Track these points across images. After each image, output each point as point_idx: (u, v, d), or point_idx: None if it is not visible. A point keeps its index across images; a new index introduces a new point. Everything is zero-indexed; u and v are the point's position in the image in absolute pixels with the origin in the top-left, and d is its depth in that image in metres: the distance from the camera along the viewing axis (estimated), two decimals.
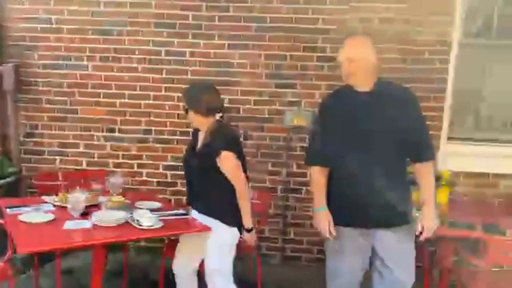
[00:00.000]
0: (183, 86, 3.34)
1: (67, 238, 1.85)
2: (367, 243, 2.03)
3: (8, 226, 1.91)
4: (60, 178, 3.02)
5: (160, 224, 2.05)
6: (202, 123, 2.27)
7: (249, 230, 2.26)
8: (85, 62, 3.41)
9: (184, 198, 2.71)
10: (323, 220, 2.02)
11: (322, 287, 3.10)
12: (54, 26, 3.39)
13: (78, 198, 1.98)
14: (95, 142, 3.49)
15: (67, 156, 3.51)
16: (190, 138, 2.47)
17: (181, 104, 2.47)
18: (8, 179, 3.24)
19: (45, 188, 2.88)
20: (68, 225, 1.95)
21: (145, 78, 3.43)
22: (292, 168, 3.43)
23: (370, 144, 1.92)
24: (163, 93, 3.44)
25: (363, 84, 1.98)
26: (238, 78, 3.38)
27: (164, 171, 3.51)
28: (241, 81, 3.38)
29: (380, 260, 2.05)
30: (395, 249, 2.00)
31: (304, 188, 3.44)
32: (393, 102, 1.94)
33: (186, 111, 2.29)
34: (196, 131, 2.39)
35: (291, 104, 3.37)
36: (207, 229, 2.16)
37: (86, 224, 1.97)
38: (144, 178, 3.50)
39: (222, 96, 3.38)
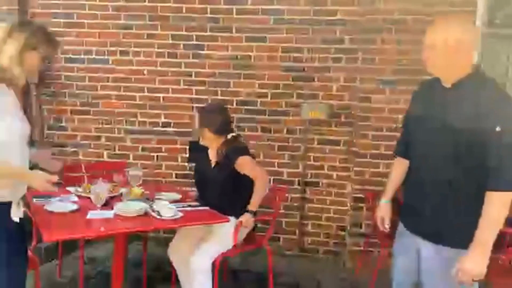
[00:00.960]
0: (201, 79, 3.44)
1: (90, 227, 1.91)
2: (415, 249, 1.77)
3: (34, 216, 1.98)
4: (83, 170, 3.10)
5: (179, 215, 2.09)
6: (212, 141, 2.48)
7: (252, 213, 2.36)
8: (106, 57, 3.49)
9: None
10: (380, 213, 1.96)
11: (337, 279, 3.16)
12: (76, 21, 3.47)
13: (101, 189, 2.04)
14: (116, 135, 3.57)
15: (89, 148, 3.60)
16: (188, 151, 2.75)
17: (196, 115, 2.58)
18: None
19: (68, 179, 3.00)
20: (91, 214, 2.01)
21: (164, 72, 3.47)
22: (310, 160, 3.43)
23: (431, 147, 1.67)
24: (181, 86, 3.48)
25: (444, 77, 1.64)
26: (256, 71, 3.39)
27: (183, 163, 3.56)
28: (259, 74, 3.39)
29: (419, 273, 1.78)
30: (435, 272, 1.68)
31: (321, 180, 3.44)
32: (469, 108, 1.56)
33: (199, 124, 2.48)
34: (199, 146, 2.59)
35: (309, 97, 3.36)
36: (226, 220, 2.20)
37: (109, 214, 2.02)
38: (164, 170, 3.57)
39: (240, 89, 3.46)
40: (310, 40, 3.29)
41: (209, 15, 3.37)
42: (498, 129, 1.50)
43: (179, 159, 3.56)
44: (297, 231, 3.50)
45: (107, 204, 2.13)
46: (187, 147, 2.97)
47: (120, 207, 2.05)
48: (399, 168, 1.91)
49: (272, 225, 2.72)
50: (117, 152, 3.58)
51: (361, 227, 3.31)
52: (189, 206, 2.31)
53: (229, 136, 2.49)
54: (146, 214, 2.08)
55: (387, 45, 3.07)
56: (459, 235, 1.59)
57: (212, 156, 2.55)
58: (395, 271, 1.91)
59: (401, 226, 1.87)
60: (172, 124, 3.54)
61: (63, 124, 3.59)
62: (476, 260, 1.52)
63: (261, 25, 3.33)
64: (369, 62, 3.13)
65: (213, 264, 2.38)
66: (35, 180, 1.71)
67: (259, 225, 2.70)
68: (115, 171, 3.15)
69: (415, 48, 3.05)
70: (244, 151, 2.50)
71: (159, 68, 3.47)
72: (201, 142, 2.57)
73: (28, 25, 1.80)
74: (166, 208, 2.09)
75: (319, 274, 3.22)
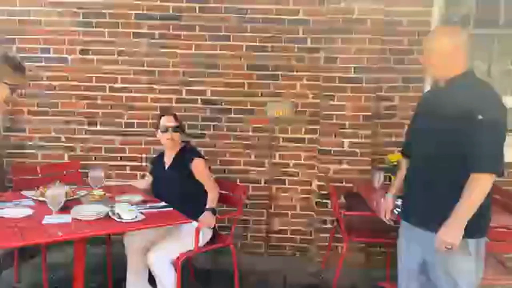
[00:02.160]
0: (165, 78, 3.39)
1: (46, 233, 1.85)
2: (416, 241, 1.90)
3: None
4: (38, 172, 3.01)
5: (141, 217, 2.06)
6: (177, 143, 2.68)
7: (212, 211, 2.49)
8: (65, 55, 3.37)
9: None
10: (383, 205, 2.12)
11: (305, 275, 3.21)
12: (31, 18, 3.33)
13: (57, 192, 1.98)
14: (77, 136, 3.47)
15: (49, 150, 3.48)
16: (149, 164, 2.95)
17: (172, 122, 2.70)
18: None
19: (21, 182, 2.90)
20: (47, 219, 1.95)
21: (126, 71, 3.40)
22: (275, 159, 3.46)
23: (424, 143, 1.85)
24: (145, 85, 3.42)
25: (438, 77, 1.85)
26: (220, 70, 3.38)
27: (147, 164, 3.50)
28: (223, 73, 3.38)
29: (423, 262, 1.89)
30: (436, 256, 1.79)
31: (286, 178, 3.48)
32: (456, 101, 1.74)
33: (177, 129, 2.67)
34: (157, 158, 2.82)
35: (273, 95, 3.38)
36: (188, 221, 2.18)
37: (66, 218, 1.97)
38: (128, 171, 3.50)
39: (204, 88, 3.45)
40: (273, 39, 3.32)
41: (171, 13, 3.33)
42: (480, 117, 1.66)
43: (143, 160, 3.50)
44: (264, 229, 3.53)
45: (66, 208, 2.06)
46: (149, 164, 3.06)
47: (78, 211, 2.00)
48: (404, 166, 2.06)
49: (234, 222, 2.74)
50: (78, 153, 3.48)
51: (326, 223, 3.38)
52: (152, 207, 2.28)
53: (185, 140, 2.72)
54: (106, 217, 2.04)
55: (348, 44, 3.13)
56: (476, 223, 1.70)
57: (167, 159, 2.72)
58: (400, 265, 2.02)
59: (402, 222, 1.99)
60: (135, 124, 3.47)
61: (21, 125, 3.45)
62: (451, 232, 1.69)
63: (224, 24, 3.32)
64: (332, 61, 3.19)
65: (175, 264, 2.37)
66: None
67: (225, 224, 2.71)
68: (71, 171, 3.14)
69: (375, 48, 3.17)
70: (200, 154, 2.70)
71: (120, 67, 3.40)
72: (167, 146, 2.70)
73: None
74: (126, 210, 2.05)
75: (287, 270, 3.27)
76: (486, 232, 1.81)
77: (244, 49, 3.35)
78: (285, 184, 3.49)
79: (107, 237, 2.84)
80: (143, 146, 3.49)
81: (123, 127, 3.47)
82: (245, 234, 3.50)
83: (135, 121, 3.47)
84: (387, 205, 2.11)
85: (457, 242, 1.68)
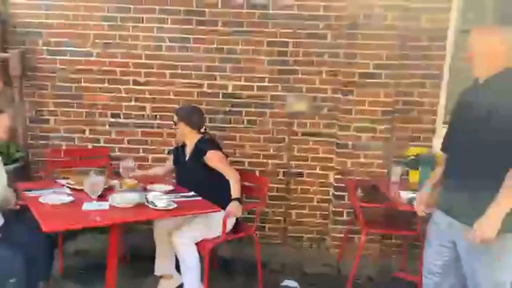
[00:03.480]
0: (187, 72, 3.47)
1: (87, 218, 1.94)
2: (449, 234, 1.93)
3: (31, 207, 1.99)
4: (63, 155, 3.35)
5: (174, 205, 2.15)
6: (188, 136, 2.76)
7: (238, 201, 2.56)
8: (89, 49, 3.46)
9: None
10: (418, 198, 2.15)
11: (321, 265, 3.30)
12: (58, 12, 3.41)
13: (95, 181, 2.07)
14: (101, 128, 3.56)
15: (73, 141, 3.58)
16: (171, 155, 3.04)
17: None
18: (16, 164, 3.30)
19: (54, 165, 3.22)
20: (87, 206, 2.04)
21: (149, 65, 3.48)
22: (294, 152, 3.54)
23: (464, 139, 1.88)
24: (167, 79, 3.50)
25: (479, 74, 1.88)
26: (241, 64, 3.45)
27: (170, 155, 3.58)
28: (244, 67, 3.45)
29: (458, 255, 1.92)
30: (472, 251, 1.81)
31: (305, 171, 3.56)
32: (496, 98, 1.77)
33: (175, 123, 2.78)
34: (180, 148, 2.88)
35: (293, 90, 3.45)
36: (217, 209, 2.27)
37: (104, 205, 2.06)
38: (150, 162, 3.59)
39: (226, 82, 3.52)
40: (294, 34, 3.38)
41: (194, 8, 3.40)
42: None
43: (165, 152, 3.59)
44: (282, 220, 3.61)
45: (102, 196, 2.16)
46: (171, 151, 3.14)
47: (116, 198, 2.09)
48: (443, 161, 2.08)
49: (258, 213, 2.82)
50: (102, 144, 3.58)
51: (342, 215, 3.46)
52: (182, 196, 2.37)
53: (202, 131, 2.77)
54: (140, 204, 2.13)
55: (368, 39, 3.19)
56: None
57: (188, 152, 2.80)
58: (427, 255, 2.06)
59: (436, 215, 2.02)
60: (157, 117, 3.56)
61: (46, 116, 3.54)
62: (488, 225, 1.69)
63: (247, 19, 3.38)
64: (351, 56, 3.25)
65: (202, 254, 2.45)
66: None
67: (247, 214, 2.79)
68: (98, 157, 3.39)
69: (394, 43, 3.22)
70: (214, 146, 2.75)
71: (144, 61, 3.48)
72: (177, 139, 2.84)
73: None
74: (159, 198, 2.14)
75: (304, 261, 3.36)
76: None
77: (265, 44, 3.41)
78: (303, 177, 3.57)
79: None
80: (164, 138, 3.58)
81: (146, 119, 3.55)
82: (262, 225, 3.59)
83: (158, 113, 3.55)
84: (422, 198, 2.12)
85: (493, 235, 1.68)
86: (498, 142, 1.73)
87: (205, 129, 2.84)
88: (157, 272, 2.69)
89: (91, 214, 1.98)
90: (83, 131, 3.57)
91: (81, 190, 2.28)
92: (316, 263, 3.35)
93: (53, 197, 2.11)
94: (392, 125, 3.34)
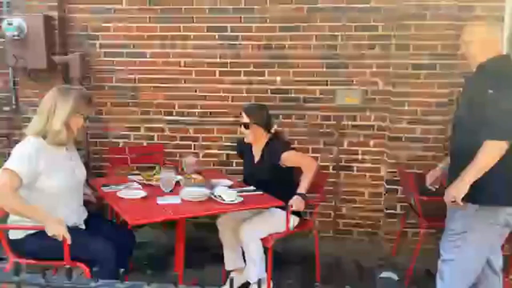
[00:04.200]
0: (236, 69, 3.53)
1: (162, 212, 2.04)
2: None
3: (111, 202, 2.12)
4: (127, 152, 3.51)
5: (241, 199, 2.22)
6: (257, 137, 2.67)
7: (302, 196, 2.52)
8: (143, 49, 3.59)
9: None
10: (431, 174, 2.39)
11: (375, 259, 3.30)
12: (113, 15, 3.56)
13: (170, 176, 2.17)
14: (155, 125, 3.70)
15: (129, 139, 3.73)
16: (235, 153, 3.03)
17: (242, 118, 2.73)
18: None
19: (115, 161, 3.44)
20: (160, 200, 2.15)
21: (200, 63, 3.57)
22: (343, 146, 3.54)
23: (456, 123, 2.15)
24: (217, 77, 3.58)
25: (472, 66, 2.13)
26: (290, 60, 3.47)
27: (220, 152, 3.69)
28: (293, 62, 3.48)
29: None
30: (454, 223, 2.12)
31: (355, 165, 3.55)
32: (473, 83, 2.06)
33: (248, 126, 2.65)
34: (244, 145, 2.76)
35: (342, 83, 3.45)
36: (280, 202, 2.32)
37: (176, 199, 2.16)
38: (201, 158, 3.69)
39: (274, 78, 3.55)
40: (343, 28, 3.37)
41: (243, 6, 3.45)
42: (490, 91, 1.92)
43: (216, 148, 3.68)
44: (332, 214, 3.63)
45: (171, 191, 2.26)
46: (235, 144, 3.10)
47: (187, 193, 2.18)
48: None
49: (316, 208, 2.84)
50: (156, 141, 3.71)
51: (396, 209, 3.43)
52: (244, 191, 2.44)
53: (272, 131, 2.69)
54: (208, 199, 2.21)
55: (421, 30, 3.14)
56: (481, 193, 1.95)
57: (256, 152, 2.74)
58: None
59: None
60: (208, 114, 3.65)
61: (104, 116, 3.71)
62: (456, 188, 1.96)
63: (295, 14, 3.40)
64: (404, 48, 3.21)
65: (266, 247, 2.51)
66: (50, 225, 1.95)
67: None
68: (154, 153, 3.58)
69: (448, 34, 3.15)
70: (287, 146, 2.67)
71: (195, 60, 3.57)
72: (246, 140, 2.72)
73: (71, 92, 2.12)
74: (227, 192, 2.22)
75: (357, 255, 3.36)
76: (498, 202, 1.97)
77: (314, 39, 3.42)
78: (353, 171, 3.57)
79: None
80: (215, 134, 3.67)
81: (197, 116, 3.66)
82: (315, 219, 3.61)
83: (208, 110, 3.64)
84: (433, 174, 2.36)
85: (459, 196, 1.92)
86: (477, 121, 1.93)
87: (276, 130, 2.76)
88: (228, 267, 2.73)
89: (165, 208, 2.08)
90: (139, 129, 3.72)
91: (150, 185, 2.39)
92: (370, 257, 3.35)
93: (129, 192, 2.22)
94: (447, 117, 3.28)
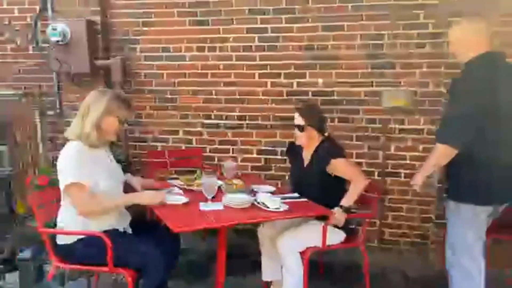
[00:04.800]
0: (277, 71, 3.43)
1: (206, 219, 1.96)
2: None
3: (153, 208, 2.06)
4: (166, 156, 3.49)
5: (286, 207, 2.10)
6: (310, 140, 2.51)
7: (344, 209, 2.36)
8: (183, 53, 3.56)
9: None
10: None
11: (422, 270, 3.07)
12: (153, 19, 3.56)
13: (213, 181, 2.09)
14: (193, 129, 3.65)
15: (168, 143, 3.71)
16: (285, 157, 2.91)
17: (296, 119, 2.55)
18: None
19: (154, 165, 3.46)
20: (203, 206, 2.07)
21: (239, 66, 3.50)
22: (390, 150, 3.35)
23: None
24: (256, 79, 3.49)
25: (460, 59, 2.19)
26: (333, 60, 3.33)
27: (258, 156, 3.59)
28: (336, 63, 3.33)
29: None
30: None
31: (402, 171, 3.35)
32: (468, 77, 2.08)
33: (302, 128, 2.48)
34: (295, 148, 2.62)
35: (389, 84, 3.26)
36: (328, 211, 2.18)
37: (218, 206, 2.07)
38: (239, 163, 3.61)
39: (315, 80, 3.42)
40: (390, 26, 3.19)
41: (284, 6, 3.35)
42: (443, 91, 2.17)
43: (254, 152, 3.59)
44: (377, 223, 3.44)
45: (214, 197, 2.17)
46: (286, 148, 2.95)
47: (230, 199, 2.09)
48: None
49: (365, 224, 2.64)
50: (195, 145, 3.67)
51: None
52: (287, 198, 2.32)
53: (325, 134, 2.53)
54: (252, 205, 2.11)
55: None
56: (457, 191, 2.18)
57: (306, 156, 2.57)
58: None
59: None
60: (247, 117, 3.56)
61: (144, 119, 3.71)
62: (414, 177, 2.22)
63: (339, 13, 3.26)
64: None
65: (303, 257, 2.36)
66: (144, 197, 2.05)
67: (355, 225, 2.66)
68: (193, 156, 3.54)
69: (506, 30, 2.91)
70: (339, 152, 2.46)
71: (234, 62, 3.50)
72: (297, 143, 2.56)
73: (105, 93, 2.09)
74: (270, 199, 2.11)
75: (403, 266, 3.16)
76: (468, 200, 2.10)
77: (358, 38, 3.26)
78: (400, 177, 3.36)
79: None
80: (254, 138, 3.58)
81: (235, 120, 3.58)
82: (357, 227, 3.42)
83: (247, 114, 3.56)
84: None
85: (417, 183, 2.17)
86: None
87: (329, 134, 2.57)
88: (265, 277, 2.60)
89: (207, 214, 2.00)
90: (177, 132, 3.69)
91: (191, 189, 2.32)
92: (417, 268, 3.13)
93: (171, 197, 2.16)
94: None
